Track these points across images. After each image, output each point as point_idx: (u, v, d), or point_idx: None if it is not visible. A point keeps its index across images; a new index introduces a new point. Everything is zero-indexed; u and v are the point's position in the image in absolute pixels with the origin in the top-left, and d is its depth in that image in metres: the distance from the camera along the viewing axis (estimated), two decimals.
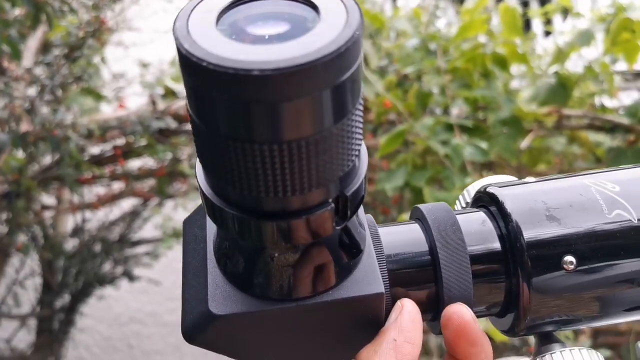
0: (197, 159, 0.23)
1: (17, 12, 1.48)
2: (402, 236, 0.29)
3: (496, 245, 0.29)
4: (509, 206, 0.29)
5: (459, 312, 0.27)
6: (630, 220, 0.28)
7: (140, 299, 2.49)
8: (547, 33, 2.32)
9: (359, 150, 0.23)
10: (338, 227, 0.23)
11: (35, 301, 2.07)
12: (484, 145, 1.44)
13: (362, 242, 0.27)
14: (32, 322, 2.07)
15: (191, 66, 0.19)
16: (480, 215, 0.30)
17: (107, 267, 2.09)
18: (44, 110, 1.52)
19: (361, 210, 0.28)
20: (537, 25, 2.63)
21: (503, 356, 1.66)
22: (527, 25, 2.64)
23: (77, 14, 1.42)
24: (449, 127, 1.51)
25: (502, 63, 1.67)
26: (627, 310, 0.31)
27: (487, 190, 0.30)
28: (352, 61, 0.20)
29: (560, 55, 1.64)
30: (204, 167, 0.23)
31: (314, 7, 0.21)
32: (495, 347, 1.68)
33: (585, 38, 1.55)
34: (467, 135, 1.50)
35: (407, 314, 0.27)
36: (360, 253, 0.27)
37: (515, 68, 1.77)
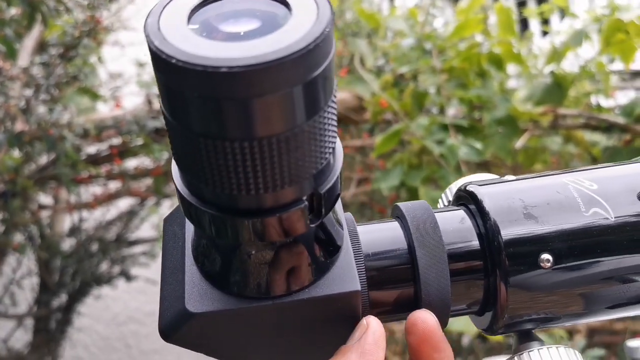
0: (173, 158, 0.23)
1: (13, 11, 1.48)
2: (381, 234, 0.29)
3: (475, 243, 0.29)
4: (487, 204, 0.29)
5: (423, 317, 0.27)
6: (607, 218, 0.28)
7: (138, 299, 2.49)
8: (545, 33, 2.33)
9: (333, 148, 0.23)
10: (312, 225, 0.23)
11: (32, 301, 2.07)
12: (478, 145, 1.44)
13: (339, 240, 0.27)
14: (29, 322, 2.07)
15: (161, 63, 0.19)
16: (460, 213, 0.30)
17: (104, 266, 2.09)
18: (40, 109, 1.52)
19: (340, 208, 0.28)
20: (535, 25, 2.63)
21: (500, 356, 1.66)
22: (524, 24, 2.65)
23: (72, 14, 1.42)
24: (445, 127, 1.52)
25: (498, 63, 1.67)
26: (610, 308, 0.31)
27: (467, 188, 0.30)
28: (323, 58, 0.20)
29: (556, 55, 1.64)
30: (178, 165, 0.23)
31: (285, 4, 0.21)
32: (491, 347, 1.68)
33: (578, 39, 1.55)
34: (463, 135, 1.50)
35: (371, 336, 0.26)
36: (337, 251, 0.27)
37: (512, 67, 1.77)
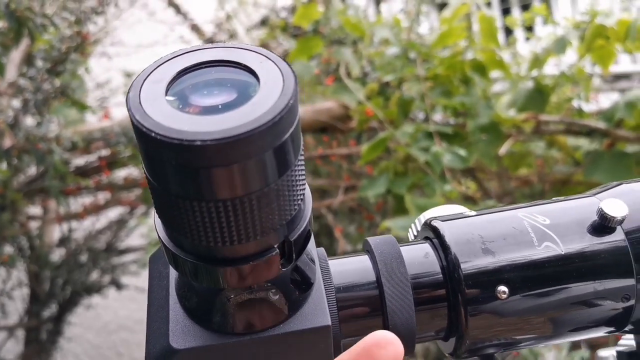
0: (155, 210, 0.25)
1: (0, 25, 1.49)
2: (351, 267, 0.32)
3: (438, 276, 0.31)
4: (448, 239, 0.31)
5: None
6: (558, 251, 0.30)
7: (129, 307, 2.50)
8: (529, 38, 2.36)
9: (303, 194, 0.25)
10: (284, 269, 0.25)
11: (23, 312, 2.07)
12: (463, 152, 1.46)
13: (311, 277, 0.29)
14: (20, 333, 2.07)
15: (142, 135, 0.21)
16: (425, 247, 0.32)
17: (94, 276, 2.09)
18: (28, 121, 1.53)
19: (312, 246, 0.30)
20: (519, 30, 2.66)
21: None
22: (508, 30, 2.68)
23: (59, 29, 1.43)
24: (430, 135, 1.54)
25: (481, 70, 1.69)
26: (569, 331, 0.33)
27: (431, 223, 0.33)
28: (290, 124, 0.22)
29: (537, 62, 1.67)
30: (160, 218, 0.25)
31: (254, 74, 0.23)
32: None
33: (560, 45, 1.58)
34: (447, 142, 1.52)
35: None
36: (309, 287, 0.29)
37: (496, 72, 1.79)
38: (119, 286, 2.09)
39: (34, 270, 1.96)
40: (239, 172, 0.21)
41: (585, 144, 1.85)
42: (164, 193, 0.22)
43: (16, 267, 1.95)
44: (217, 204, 0.22)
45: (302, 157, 0.24)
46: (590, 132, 1.73)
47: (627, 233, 0.31)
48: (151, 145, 0.21)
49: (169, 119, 0.21)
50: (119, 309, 2.51)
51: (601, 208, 0.31)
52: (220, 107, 0.22)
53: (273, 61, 0.23)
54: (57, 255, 2.09)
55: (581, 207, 0.32)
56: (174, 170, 0.21)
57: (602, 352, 0.53)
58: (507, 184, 1.95)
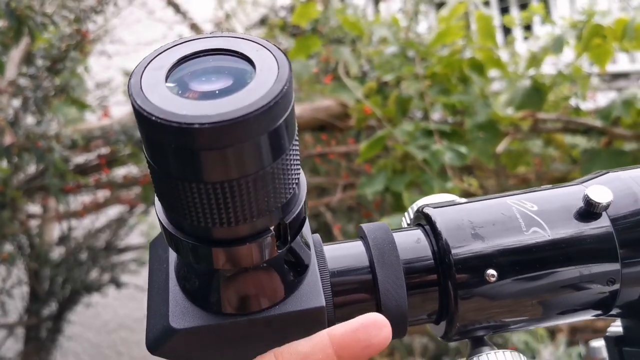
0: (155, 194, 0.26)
1: (0, 24, 1.50)
2: (345, 253, 0.33)
3: (429, 261, 0.32)
4: (439, 225, 0.32)
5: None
6: (545, 236, 0.31)
7: (128, 306, 2.51)
8: (527, 37, 2.37)
9: (297, 179, 0.26)
10: (280, 251, 0.26)
11: (22, 310, 2.08)
12: (463, 149, 1.47)
13: (306, 260, 0.30)
14: (20, 331, 2.08)
15: (143, 119, 0.22)
16: (417, 233, 0.33)
17: (94, 274, 2.10)
18: (28, 119, 1.54)
19: (307, 230, 0.31)
20: (517, 29, 2.67)
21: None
22: (507, 29, 2.69)
23: (59, 28, 1.44)
24: (428, 133, 1.55)
25: (479, 68, 1.70)
26: (557, 314, 0.34)
27: (423, 210, 0.34)
28: (284, 109, 0.23)
29: (534, 61, 1.68)
30: (160, 201, 0.26)
31: (250, 62, 0.24)
32: None
33: (557, 44, 1.59)
34: (446, 140, 1.53)
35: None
36: (305, 270, 0.30)
37: (494, 71, 1.80)
38: (118, 285, 2.10)
39: (33, 269, 1.97)
40: (235, 154, 0.22)
41: (582, 142, 1.86)
42: (164, 176, 0.23)
43: (16, 265, 1.96)
44: (214, 186, 0.23)
45: (297, 143, 0.25)
46: (587, 131, 1.74)
47: (612, 219, 0.32)
48: (152, 128, 0.22)
49: (169, 103, 0.22)
50: (119, 307, 2.52)
51: (587, 194, 0.32)
52: (217, 92, 0.23)
53: (268, 49, 0.24)
54: (57, 253, 2.10)
55: (568, 194, 0.33)
56: (173, 153, 0.22)
57: (594, 343, 0.54)
58: (504, 182, 1.96)
